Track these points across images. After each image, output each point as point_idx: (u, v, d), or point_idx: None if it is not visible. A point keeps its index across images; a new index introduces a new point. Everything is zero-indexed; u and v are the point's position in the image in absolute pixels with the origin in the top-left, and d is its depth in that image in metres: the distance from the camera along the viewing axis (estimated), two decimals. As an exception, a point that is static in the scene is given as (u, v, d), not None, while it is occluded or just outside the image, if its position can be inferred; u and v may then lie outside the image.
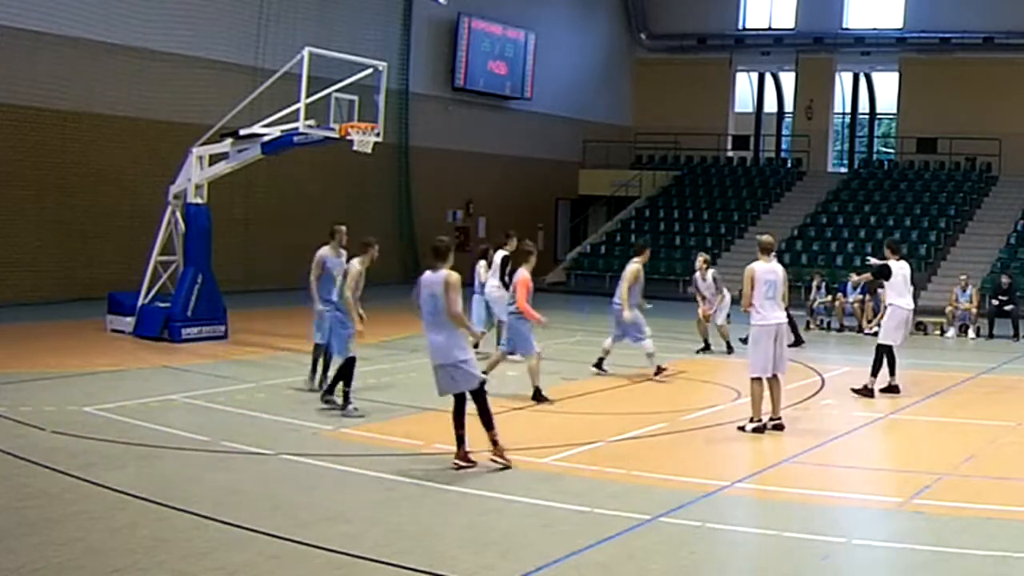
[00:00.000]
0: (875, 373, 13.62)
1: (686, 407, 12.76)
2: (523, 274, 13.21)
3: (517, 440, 9.92)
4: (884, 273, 13.93)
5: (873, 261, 14.96)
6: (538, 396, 12.64)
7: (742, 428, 11.14)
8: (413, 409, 12.04)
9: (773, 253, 11.61)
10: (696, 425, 11.75)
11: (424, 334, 9.43)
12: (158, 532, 7.27)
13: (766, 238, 11.74)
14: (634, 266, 14.86)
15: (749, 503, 8.70)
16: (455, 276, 9.20)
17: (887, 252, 14.20)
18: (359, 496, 8.40)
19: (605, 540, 7.34)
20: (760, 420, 11.12)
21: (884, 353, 13.68)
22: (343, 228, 13.13)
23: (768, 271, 11.31)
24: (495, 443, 9.22)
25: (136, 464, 9.09)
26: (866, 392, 13.51)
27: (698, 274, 18.27)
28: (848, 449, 10.94)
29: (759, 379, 11.18)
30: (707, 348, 18.05)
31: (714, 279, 18.07)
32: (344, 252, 12.90)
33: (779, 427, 11.21)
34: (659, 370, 14.76)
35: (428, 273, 9.35)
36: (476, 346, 14.46)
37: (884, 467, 10.17)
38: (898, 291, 13.84)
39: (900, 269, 13.87)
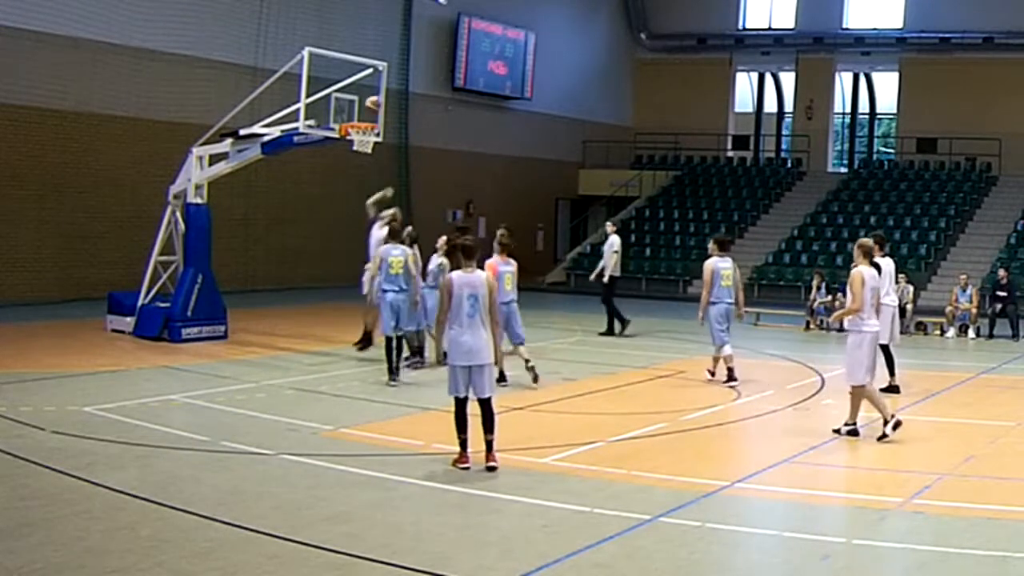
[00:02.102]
0: (892, 372, 13.64)
1: (686, 407, 12.75)
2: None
3: (517, 440, 9.92)
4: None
5: None
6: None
7: (883, 436, 10.76)
8: (413, 409, 12.05)
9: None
10: (696, 425, 11.74)
11: (454, 335, 9.25)
12: (158, 532, 7.27)
13: (870, 241, 11.40)
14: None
15: (749, 503, 8.69)
16: (492, 277, 9.33)
17: (874, 248, 14.06)
18: (359, 496, 8.39)
19: (605, 540, 7.34)
20: (856, 425, 10.87)
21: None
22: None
23: (873, 276, 11.07)
24: (490, 445, 9.20)
25: (136, 464, 9.09)
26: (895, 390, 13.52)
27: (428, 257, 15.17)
28: (848, 449, 10.93)
29: (862, 386, 10.88)
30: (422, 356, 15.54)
31: (440, 268, 14.49)
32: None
33: (898, 423, 10.84)
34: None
35: (460, 273, 9.28)
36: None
37: (884, 467, 10.16)
38: (883, 289, 13.74)
39: (886, 266, 13.73)
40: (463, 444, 9.19)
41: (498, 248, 13.69)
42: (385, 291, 13.76)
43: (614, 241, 20.09)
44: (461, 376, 9.20)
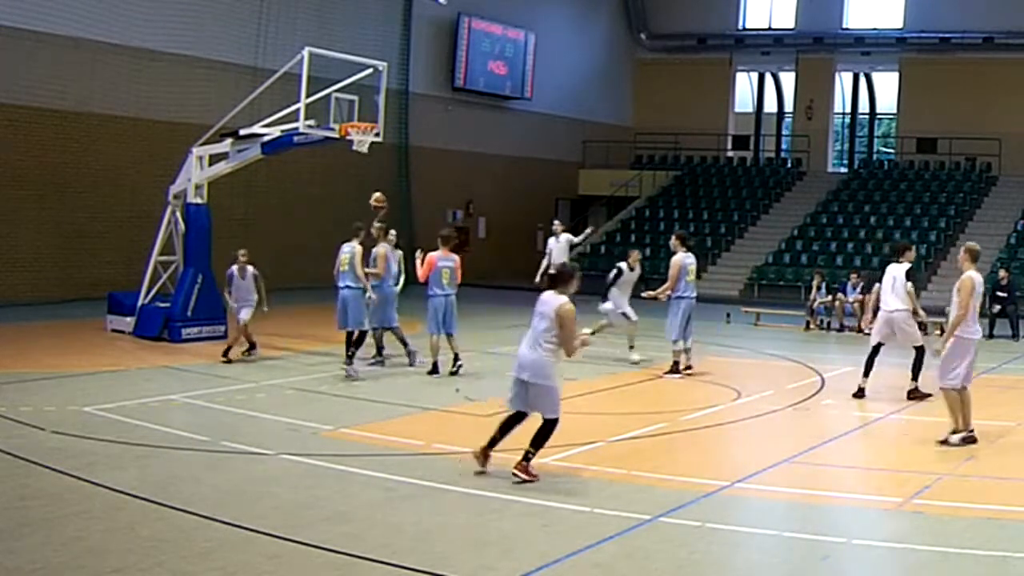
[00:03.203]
0: (866, 374, 13.62)
1: (686, 407, 12.76)
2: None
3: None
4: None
5: None
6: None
7: (944, 441, 10.63)
8: (413, 409, 12.05)
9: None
10: (696, 425, 11.75)
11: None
12: (158, 532, 7.27)
13: (976, 246, 11.38)
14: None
15: (749, 503, 8.69)
16: (571, 308, 8.97)
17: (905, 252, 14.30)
18: (359, 496, 8.39)
19: (605, 540, 7.34)
20: (971, 430, 10.72)
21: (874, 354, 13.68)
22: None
23: (980, 282, 11.02)
24: (528, 458, 8.89)
25: (136, 464, 9.09)
26: (860, 394, 13.48)
27: (235, 268, 15.52)
28: (848, 449, 10.93)
29: (958, 390, 10.70)
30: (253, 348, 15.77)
31: (254, 276, 15.60)
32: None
33: (972, 440, 10.75)
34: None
35: (550, 294, 9.13)
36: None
37: (884, 467, 10.16)
38: (882, 294, 13.95)
39: (886, 271, 13.86)
40: (493, 441, 8.97)
41: (440, 242, 14.53)
42: (336, 287, 14.58)
43: (566, 239, 20.17)
44: (515, 388, 9.04)
